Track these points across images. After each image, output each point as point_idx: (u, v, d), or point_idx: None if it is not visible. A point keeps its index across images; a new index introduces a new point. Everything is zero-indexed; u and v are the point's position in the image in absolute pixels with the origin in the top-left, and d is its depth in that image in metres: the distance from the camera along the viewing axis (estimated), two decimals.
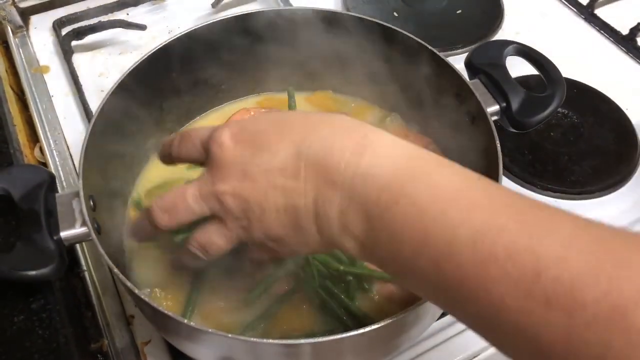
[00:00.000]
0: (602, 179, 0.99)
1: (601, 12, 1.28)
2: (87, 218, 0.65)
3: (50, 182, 0.69)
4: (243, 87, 1.00)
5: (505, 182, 0.99)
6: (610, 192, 0.99)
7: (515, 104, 0.76)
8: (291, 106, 0.93)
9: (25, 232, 0.64)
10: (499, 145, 0.71)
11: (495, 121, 0.76)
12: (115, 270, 0.61)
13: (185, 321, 0.58)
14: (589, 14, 1.28)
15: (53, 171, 0.99)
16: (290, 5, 1.24)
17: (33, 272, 0.61)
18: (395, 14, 1.27)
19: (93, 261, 0.88)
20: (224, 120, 0.97)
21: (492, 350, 0.82)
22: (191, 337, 0.64)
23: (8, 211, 0.69)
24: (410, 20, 1.26)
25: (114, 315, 0.83)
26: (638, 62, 1.19)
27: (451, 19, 1.27)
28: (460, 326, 0.83)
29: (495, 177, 0.68)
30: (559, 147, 1.03)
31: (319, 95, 1.00)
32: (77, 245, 0.89)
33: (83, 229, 0.66)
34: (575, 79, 1.12)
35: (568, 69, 1.11)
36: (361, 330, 0.57)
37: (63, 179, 0.99)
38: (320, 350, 0.60)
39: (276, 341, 0.57)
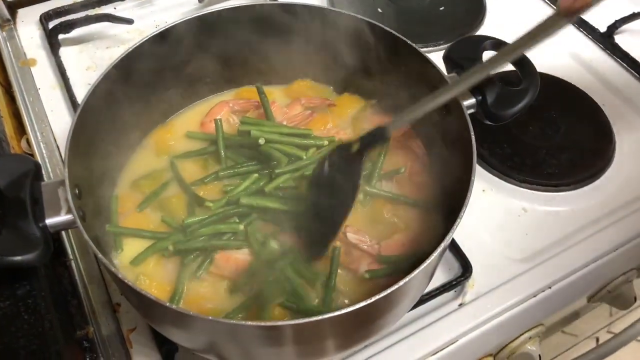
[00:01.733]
0: (579, 172, 1.02)
1: None
2: (72, 205, 0.66)
3: (35, 170, 0.71)
4: (227, 79, 1.01)
5: (484, 174, 1.02)
6: (586, 185, 1.02)
7: (490, 98, 0.79)
8: (264, 101, 0.94)
9: (10, 220, 0.65)
10: (473, 136, 0.73)
11: (471, 114, 0.79)
12: (100, 255, 0.62)
13: (168, 304, 0.60)
14: None
15: (40, 162, 1.00)
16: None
17: (18, 258, 0.63)
18: (379, 10, 1.30)
19: (79, 250, 0.90)
20: (205, 114, 0.98)
21: (465, 339, 0.85)
22: (175, 321, 0.65)
23: None
24: (394, 17, 1.29)
25: (99, 303, 0.85)
26: (615, 59, 1.22)
27: (434, 16, 1.30)
28: (433, 316, 0.85)
29: (469, 167, 0.71)
30: (537, 141, 1.06)
31: (299, 84, 1.01)
32: (64, 235, 0.91)
33: (68, 217, 0.67)
34: (554, 74, 1.15)
35: (547, 65, 1.15)
36: (341, 311, 0.58)
37: (50, 170, 1.00)
38: (301, 332, 0.62)
39: (257, 323, 0.59)
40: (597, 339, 1.77)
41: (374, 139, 0.80)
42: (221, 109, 0.97)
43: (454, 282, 0.86)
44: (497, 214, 0.98)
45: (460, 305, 0.87)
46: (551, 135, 1.07)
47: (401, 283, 0.60)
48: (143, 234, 0.82)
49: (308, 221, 0.81)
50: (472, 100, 0.80)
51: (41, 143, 1.04)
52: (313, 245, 0.81)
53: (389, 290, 0.60)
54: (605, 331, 1.77)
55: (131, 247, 0.82)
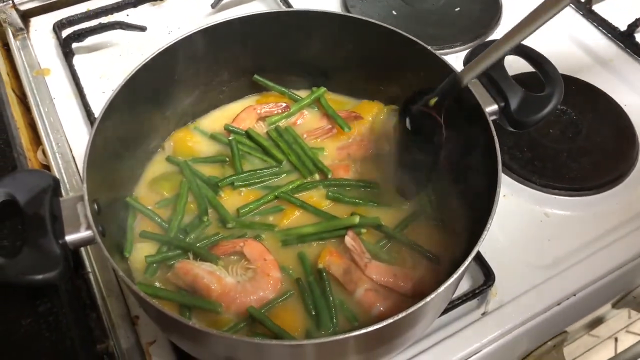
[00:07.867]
0: (601, 176, 1.00)
1: (599, 8, 1.29)
2: (91, 222, 0.65)
3: (54, 186, 0.70)
4: (244, 87, 1.00)
5: (504, 178, 1.00)
6: (609, 189, 0.99)
7: (513, 104, 0.77)
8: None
9: (31, 237, 0.65)
10: (497, 144, 0.71)
11: (494, 120, 0.77)
12: (121, 273, 0.62)
13: (190, 323, 0.59)
14: (587, 10, 1.28)
15: (56, 174, 1.00)
16: (291, 6, 1.25)
17: (39, 277, 0.62)
18: (394, 12, 1.28)
19: (97, 263, 0.89)
20: (227, 119, 0.98)
21: (489, 348, 0.84)
22: (195, 338, 0.65)
23: (14, 216, 0.70)
24: (409, 19, 1.27)
25: (118, 316, 0.84)
26: (636, 58, 1.19)
27: (450, 17, 1.28)
28: (457, 326, 0.84)
29: (494, 175, 0.69)
30: (558, 144, 1.04)
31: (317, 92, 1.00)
32: (82, 247, 0.90)
33: (88, 233, 0.67)
34: (573, 75, 1.13)
35: (566, 66, 1.12)
36: (364, 330, 0.57)
37: (66, 180, 1.00)
38: (324, 350, 0.61)
39: (280, 342, 0.58)
40: (616, 339, 1.75)
41: (449, 89, 0.76)
42: (248, 115, 0.97)
43: (477, 291, 0.85)
44: (519, 220, 0.96)
45: (484, 314, 0.86)
46: (572, 138, 1.05)
47: (427, 299, 0.59)
48: (155, 219, 0.85)
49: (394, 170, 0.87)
50: (495, 107, 0.78)
51: (57, 153, 1.03)
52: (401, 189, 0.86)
53: (414, 308, 0.59)
54: (624, 331, 1.75)
55: (140, 251, 0.82)
